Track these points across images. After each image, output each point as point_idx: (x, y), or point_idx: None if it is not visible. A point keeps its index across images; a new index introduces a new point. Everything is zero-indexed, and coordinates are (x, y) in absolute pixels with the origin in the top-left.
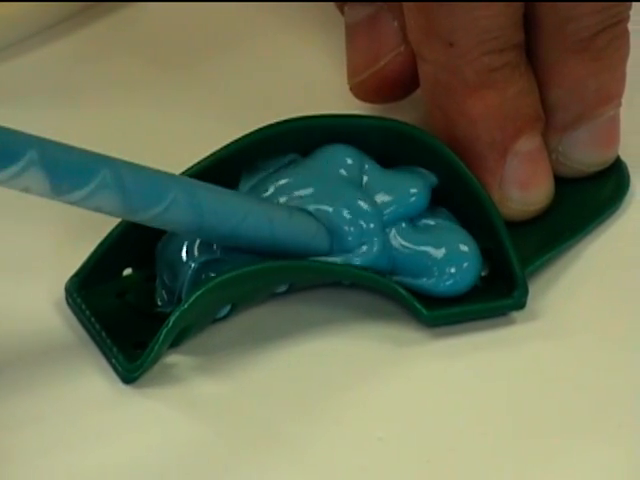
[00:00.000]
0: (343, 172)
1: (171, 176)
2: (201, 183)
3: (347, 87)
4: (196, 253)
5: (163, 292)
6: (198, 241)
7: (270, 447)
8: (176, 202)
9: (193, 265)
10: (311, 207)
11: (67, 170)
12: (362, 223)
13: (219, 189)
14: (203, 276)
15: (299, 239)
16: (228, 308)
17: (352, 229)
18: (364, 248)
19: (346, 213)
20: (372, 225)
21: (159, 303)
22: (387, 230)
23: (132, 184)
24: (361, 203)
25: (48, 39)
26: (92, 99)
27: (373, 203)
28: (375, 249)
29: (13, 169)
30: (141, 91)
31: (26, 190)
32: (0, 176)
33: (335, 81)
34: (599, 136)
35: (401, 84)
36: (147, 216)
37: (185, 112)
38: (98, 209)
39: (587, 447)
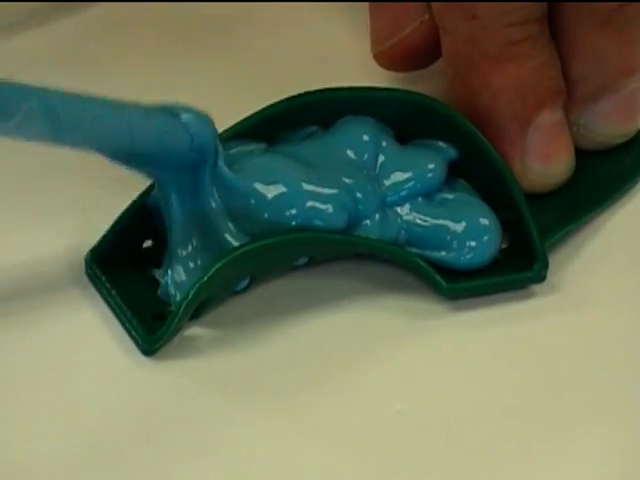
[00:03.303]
0: (351, 154)
1: (23, 85)
2: (53, 89)
3: (368, 58)
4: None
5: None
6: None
7: (288, 418)
8: (31, 111)
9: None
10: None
11: None
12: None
13: (73, 93)
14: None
15: (158, 137)
16: (247, 280)
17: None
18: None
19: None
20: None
21: None
22: (402, 206)
23: None
24: (347, 181)
25: (74, 8)
26: (114, 69)
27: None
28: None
29: None
30: (161, 61)
31: None
32: None
33: (356, 51)
34: (620, 108)
35: (425, 53)
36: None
37: (204, 86)
38: None
39: (605, 418)
